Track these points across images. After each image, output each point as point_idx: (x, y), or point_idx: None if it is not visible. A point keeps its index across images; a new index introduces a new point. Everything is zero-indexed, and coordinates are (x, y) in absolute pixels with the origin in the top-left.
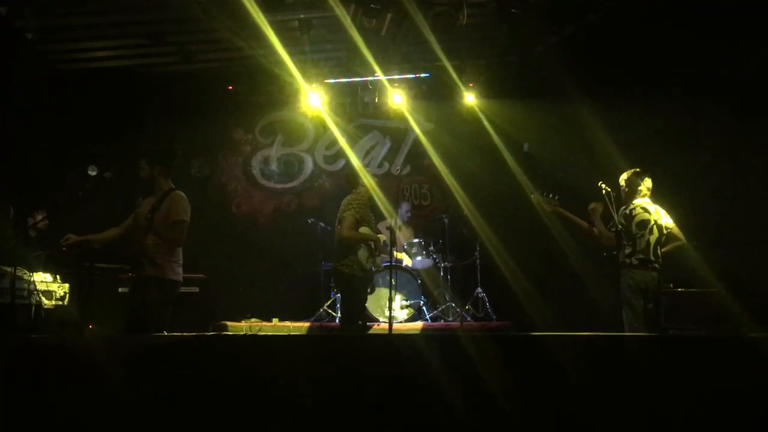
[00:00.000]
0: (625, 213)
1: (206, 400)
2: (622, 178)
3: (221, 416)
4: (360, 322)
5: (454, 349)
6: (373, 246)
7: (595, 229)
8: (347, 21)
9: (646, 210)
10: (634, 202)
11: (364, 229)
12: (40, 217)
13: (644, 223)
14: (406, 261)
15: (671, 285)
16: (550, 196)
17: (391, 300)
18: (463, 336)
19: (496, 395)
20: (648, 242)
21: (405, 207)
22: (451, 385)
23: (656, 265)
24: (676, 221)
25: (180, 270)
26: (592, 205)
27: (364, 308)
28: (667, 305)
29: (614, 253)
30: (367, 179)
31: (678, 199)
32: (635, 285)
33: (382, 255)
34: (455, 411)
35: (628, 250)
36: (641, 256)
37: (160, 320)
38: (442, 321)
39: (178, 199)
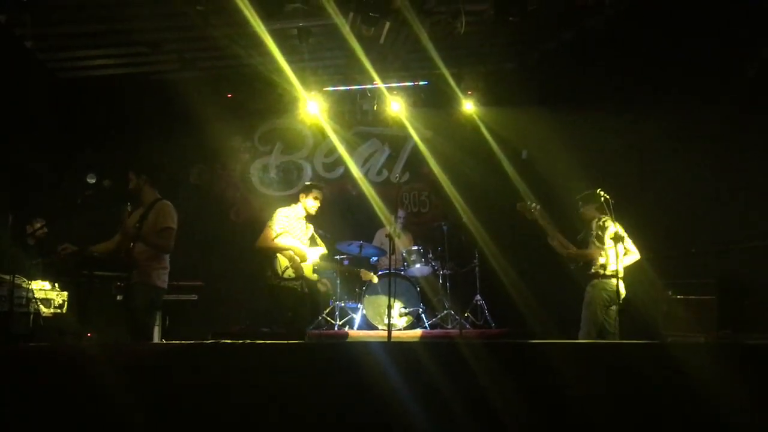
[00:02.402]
0: (600, 225)
1: (205, 408)
2: (592, 194)
3: (220, 423)
4: (294, 331)
5: (453, 356)
6: (293, 255)
7: (564, 247)
8: (346, 29)
9: (614, 223)
10: (601, 216)
11: (288, 240)
12: (38, 225)
13: (616, 237)
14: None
15: (670, 292)
16: (531, 204)
17: (390, 308)
18: (463, 344)
19: (496, 403)
20: (615, 254)
21: (400, 213)
22: (450, 393)
23: (620, 275)
24: (674, 226)
25: (166, 277)
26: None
27: (294, 317)
28: (666, 312)
29: (592, 267)
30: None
31: (677, 203)
32: (607, 295)
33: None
34: (455, 418)
35: (602, 261)
36: (612, 267)
37: (146, 326)
38: (441, 328)
39: (165, 208)
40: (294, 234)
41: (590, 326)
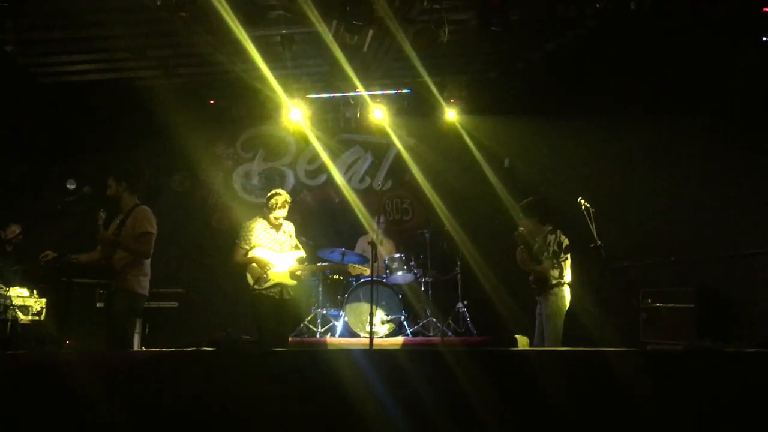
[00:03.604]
0: (558, 241)
1: (185, 416)
2: (531, 207)
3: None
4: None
5: (435, 364)
6: (255, 267)
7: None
8: (329, 37)
9: (565, 235)
10: (551, 227)
11: (253, 252)
12: (15, 231)
13: (568, 248)
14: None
15: (649, 300)
16: (522, 230)
17: (371, 315)
18: (444, 351)
19: (478, 410)
20: (569, 265)
21: (381, 219)
22: (432, 400)
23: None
24: (654, 234)
25: (146, 283)
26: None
27: (271, 325)
28: (645, 320)
29: (551, 280)
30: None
31: (658, 212)
32: (564, 304)
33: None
34: (436, 426)
35: (556, 272)
36: (568, 278)
37: (126, 334)
38: (423, 336)
39: (144, 213)
40: (265, 244)
41: (557, 335)
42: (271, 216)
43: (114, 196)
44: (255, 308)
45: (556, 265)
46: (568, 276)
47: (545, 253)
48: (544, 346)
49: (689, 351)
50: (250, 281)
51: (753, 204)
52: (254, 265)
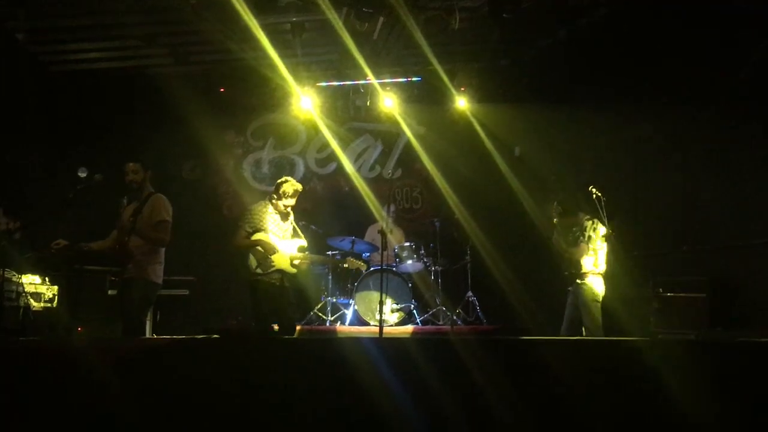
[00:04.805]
0: (594, 227)
1: (195, 404)
2: (559, 198)
3: (211, 419)
4: (267, 326)
5: (444, 353)
6: (261, 250)
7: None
8: (339, 24)
9: (600, 225)
10: (586, 216)
11: (258, 235)
12: (9, 224)
13: (605, 237)
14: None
15: (661, 290)
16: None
17: (381, 303)
18: (454, 340)
19: (487, 399)
20: (604, 254)
21: (391, 208)
22: (441, 389)
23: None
24: (666, 223)
25: (161, 272)
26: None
27: (265, 312)
28: (657, 310)
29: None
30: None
31: (670, 201)
32: (599, 292)
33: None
34: (446, 414)
35: (591, 261)
36: (603, 267)
37: (139, 322)
38: (433, 325)
39: (160, 201)
40: (268, 229)
41: (598, 322)
42: (280, 203)
43: (139, 182)
44: (255, 293)
45: (589, 252)
46: (602, 266)
47: (580, 238)
48: (575, 335)
49: (701, 341)
50: (253, 264)
51: (767, 193)
52: (259, 248)
